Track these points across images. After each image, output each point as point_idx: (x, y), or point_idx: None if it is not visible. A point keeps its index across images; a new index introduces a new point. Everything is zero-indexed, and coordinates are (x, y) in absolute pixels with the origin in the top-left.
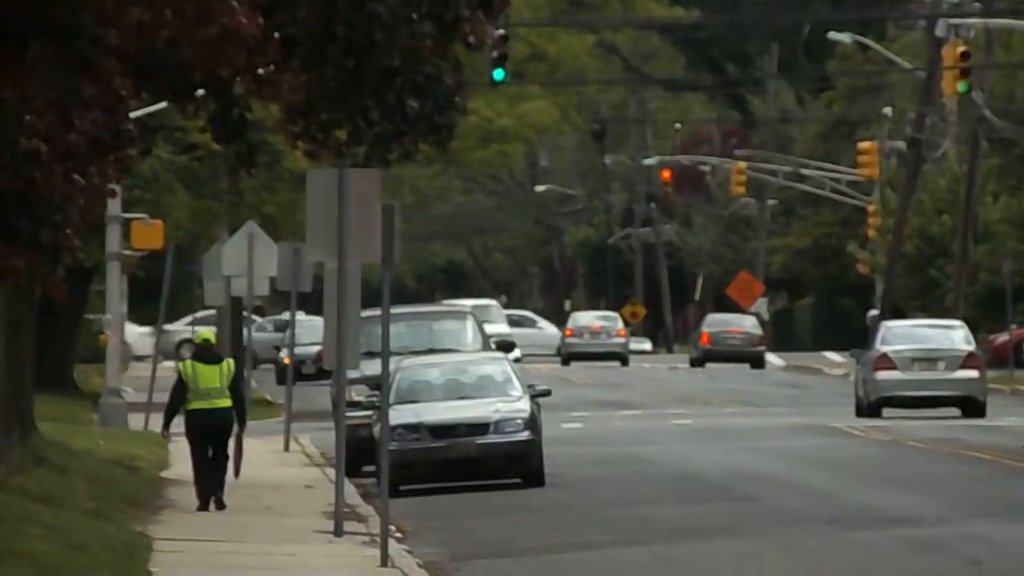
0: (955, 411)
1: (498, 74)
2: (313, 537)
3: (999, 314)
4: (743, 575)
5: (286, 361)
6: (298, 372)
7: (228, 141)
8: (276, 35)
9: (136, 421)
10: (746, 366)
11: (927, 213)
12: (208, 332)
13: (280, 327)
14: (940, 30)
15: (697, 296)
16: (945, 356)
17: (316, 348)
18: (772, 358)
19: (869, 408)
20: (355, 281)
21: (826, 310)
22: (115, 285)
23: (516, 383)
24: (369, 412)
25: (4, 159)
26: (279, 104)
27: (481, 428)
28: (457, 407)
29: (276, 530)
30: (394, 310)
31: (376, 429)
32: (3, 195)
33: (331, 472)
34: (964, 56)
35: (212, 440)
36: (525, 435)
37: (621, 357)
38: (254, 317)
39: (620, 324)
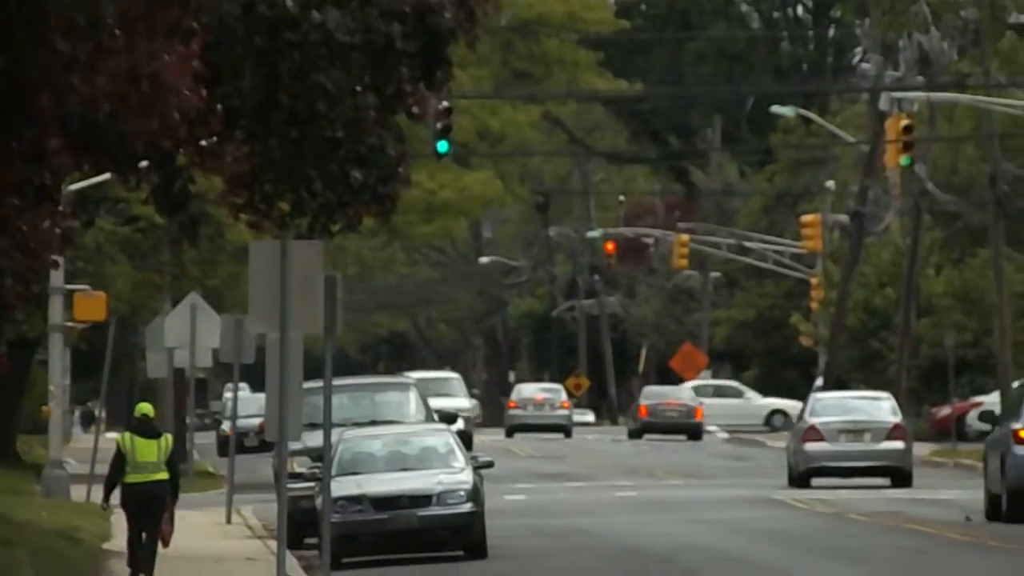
0: (888, 482)
1: (442, 146)
2: None
3: (942, 387)
4: None
5: (228, 433)
6: (241, 444)
7: (171, 213)
8: (219, 106)
9: (78, 492)
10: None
11: (870, 286)
12: (147, 406)
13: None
14: (883, 103)
15: (640, 368)
16: (871, 427)
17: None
18: (715, 430)
19: (799, 478)
20: (297, 352)
21: (770, 382)
22: (58, 356)
23: (459, 455)
24: (311, 484)
25: None
26: (222, 175)
27: (424, 500)
28: (400, 479)
29: None
30: (336, 381)
31: (318, 501)
32: None
33: (273, 544)
34: (907, 129)
35: (146, 512)
36: (468, 507)
37: (564, 429)
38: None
39: (564, 396)
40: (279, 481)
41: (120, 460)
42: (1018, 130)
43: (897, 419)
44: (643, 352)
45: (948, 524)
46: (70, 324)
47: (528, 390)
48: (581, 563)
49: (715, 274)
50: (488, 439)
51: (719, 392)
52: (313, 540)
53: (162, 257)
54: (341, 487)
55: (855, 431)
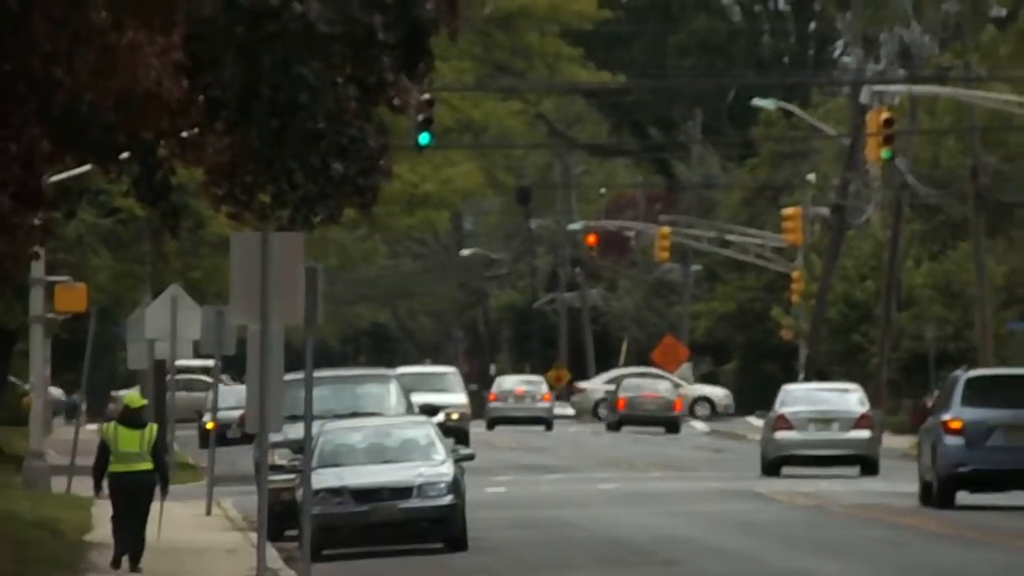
0: (859, 472)
1: (423, 138)
2: None
3: (922, 379)
4: None
5: (209, 425)
6: (222, 436)
7: (152, 204)
8: (200, 97)
9: (59, 484)
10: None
11: (851, 279)
12: (135, 396)
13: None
14: (864, 97)
15: (621, 360)
16: (839, 417)
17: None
18: (695, 422)
19: (769, 466)
20: (278, 344)
21: (750, 375)
22: (39, 348)
23: (439, 447)
24: (292, 476)
25: None
26: (203, 167)
27: (404, 492)
28: (380, 471)
29: None
30: (317, 373)
31: (299, 493)
32: None
33: (253, 536)
34: (888, 123)
35: (130, 502)
36: (448, 499)
37: (545, 421)
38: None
39: (544, 388)
40: (260, 473)
41: (104, 449)
42: (999, 123)
43: (864, 409)
44: (624, 345)
45: (927, 516)
46: (51, 315)
47: (509, 382)
48: (561, 555)
49: (696, 267)
50: (469, 431)
51: None
52: (293, 532)
53: (143, 248)
54: (322, 479)
55: (823, 420)
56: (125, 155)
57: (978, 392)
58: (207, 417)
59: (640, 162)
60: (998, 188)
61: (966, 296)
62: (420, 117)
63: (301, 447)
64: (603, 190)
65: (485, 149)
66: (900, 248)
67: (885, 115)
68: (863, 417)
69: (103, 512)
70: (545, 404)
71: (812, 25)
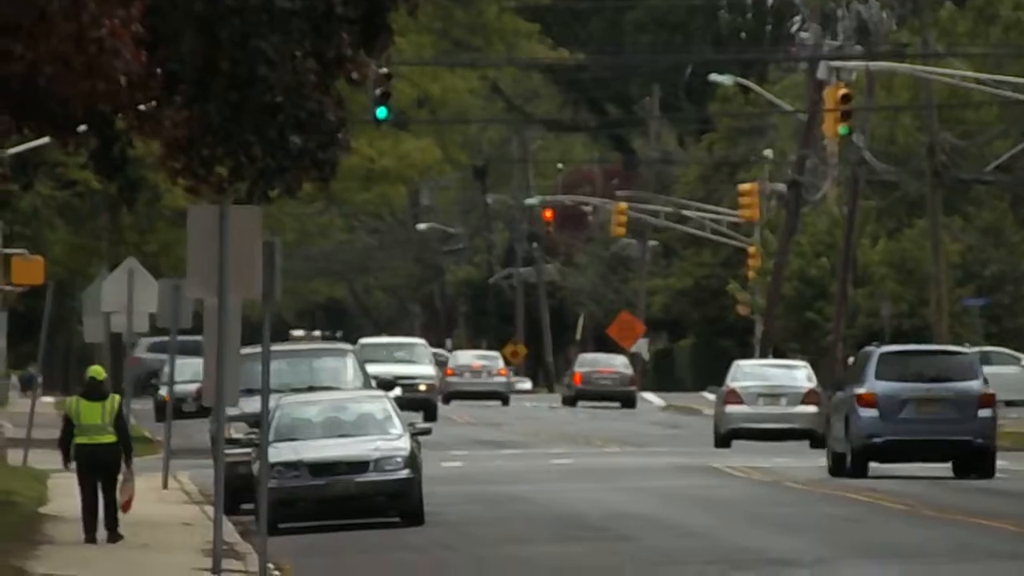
0: (809, 446)
1: (381, 112)
2: (192, 574)
3: None
4: None
5: (166, 398)
6: (178, 409)
7: (109, 176)
8: (159, 71)
9: (15, 457)
10: (620, 405)
11: (806, 255)
12: (98, 368)
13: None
14: (822, 73)
15: (578, 336)
16: (787, 393)
17: (195, 386)
18: (652, 398)
19: (721, 439)
20: (235, 318)
21: (706, 351)
22: None
23: (396, 421)
24: (248, 449)
25: None
26: (161, 140)
27: (361, 466)
28: (337, 445)
29: (154, 568)
30: (274, 347)
31: (255, 466)
32: None
33: (210, 509)
34: (845, 99)
35: (96, 474)
36: (405, 473)
37: (502, 396)
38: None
39: (501, 363)
40: (216, 446)
41: (68, 423)
42: (956, 100)
43: (812, 385)
44: (580, 320)
45: (883, 492)
46: (7, 287)
47: (465, 357)
48: (517, 530)
49: (653, 242)
50: (437, 404)
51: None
52: (250, 506)
53: (99, 222)
54: (278, 453)
55: (772, 395)
56: (83, 128)
57: (891, 367)
58: (163, 390)
59: (597, 138)
60: (955, 165)
61: (922, 273)
62: (378, 91)
63: (257, 421)
64: (560, 165)
65: (442, 124)
66: (856, 225)
67: (842, 91)
68: (810, 393)
69: (60, 485)
70: (501, 379)
71: (770, 1)
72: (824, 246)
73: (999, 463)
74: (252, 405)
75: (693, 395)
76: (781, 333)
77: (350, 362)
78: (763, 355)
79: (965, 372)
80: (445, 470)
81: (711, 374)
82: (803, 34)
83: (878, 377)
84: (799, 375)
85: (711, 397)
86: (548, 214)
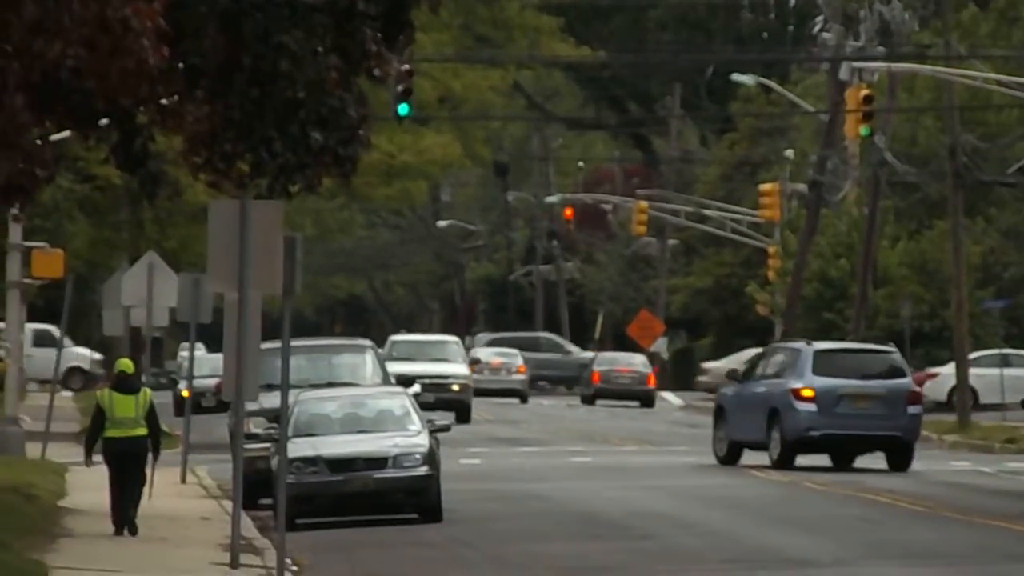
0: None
1: (403, 109)
2: (209, 569)
3: None
4: None
5: (185, 393)
6: (197, 404)
7: (131, 171)
8: (180, 65)
9: (34, 450)
10: (639, 404)
11: (826, 256)
12: (127, 362)
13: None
14: (844, 73)
15: (597, 334)
16: None
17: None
18: (671, 397)
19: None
20: (255, 312)
21: (725, 350)
22: (15, 313)
23: (415, 418)
24: (267, 444)
25: None
26: (182, 135)
27: (379, 462)
28: (355, 441)
29: (173, 561)
30: (294, 343)
31: (274, 462)
32: None
33: (228, 504)
34: (867, 100)
35: (127, 467)
36: (423, 470)
37: (520, 394)
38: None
39: (520, 361)
40: (235, 441)
41: (100, 416)
42: (978, 102)
43: None
44: (600, 318)
45: (901, 493)
46: (27, 281)
47: (485, 354)
48: (536, 527)
49: (673, 241)
50: (471, 404)
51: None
52: (268, 501)
53: (120, 216)
54: (297, 448)
55: None
56: (104, 122)
57: (826, 363)
58: (182, 385)
59: (618, 136)
60: (976, 167)
61: (942, 275)
62: (400, 88)
63: (276, 416)
64: (581, 164)
65: (464, 121)
66: (877, 226)
67: (864, 92)
68: None
69: (78, 478)
70: (520, 376)
71: (792, 1)
72: (844, 247)
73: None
74: (271, 400)
75: (712, 394)
76: (801, 334)
77: (369, 358)
78: None
79: (895, 370)
80: (463, 467)
81: None
82: (825, 35)
83: (815, 373)
84: None
85: None
86: (568, 212)
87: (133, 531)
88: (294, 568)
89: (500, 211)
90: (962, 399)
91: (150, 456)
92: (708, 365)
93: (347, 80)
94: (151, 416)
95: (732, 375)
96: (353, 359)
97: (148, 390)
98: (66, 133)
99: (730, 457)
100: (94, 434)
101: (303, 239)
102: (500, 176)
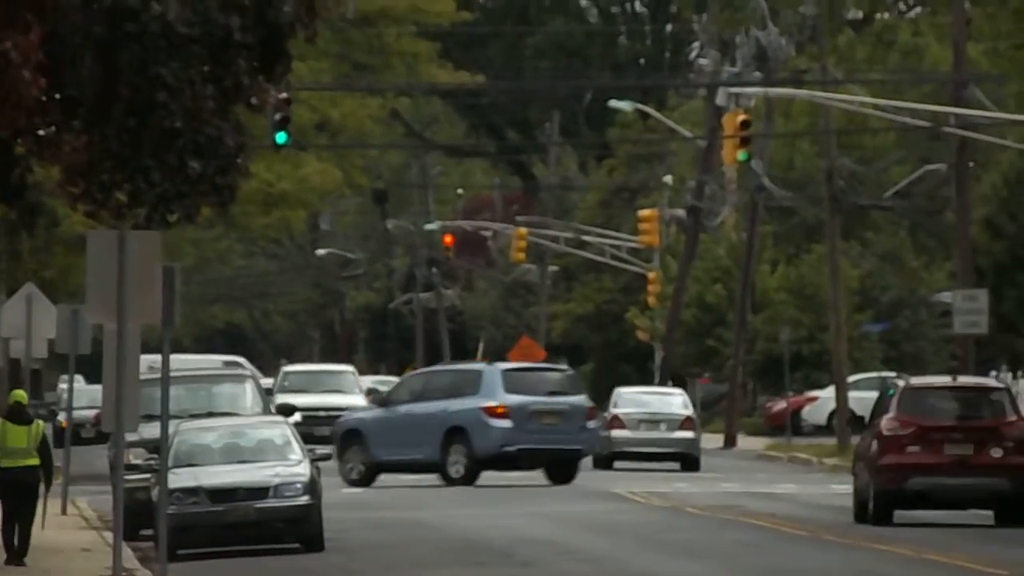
0: (680, 467)
1: (280, 137)
2: None
3: (777, 382)
4: None
5: (64, 424)
6: (77, 435)
7: (8, 201)
8: (58, 96)
9: None
10: None
11: (705, 281)
12: (21, 393)
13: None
14: (721, 99)
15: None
16: (666, 418)
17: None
18: None
19: (604, 460)
20: (135, 343)
21: (607, 376)
22: None
23: (296, 447)
24: (147, 475)
25: None
26: (60, 165)
27: (260, 492)
28: (236, 471)
29: None
30: (173, 373)
31: (154, 492)
32: None
33: (109, 535)
34: (744, 125)
35: (19, 497)
36: (305, 499)
37: None
38: None
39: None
40: (115, 472)
41: None
42: (854, 126)
43: (688, 412)
44: (480, 345)
45: (783, 518)
46: None
47: (365, 383)
48: (419, 555)
49: (553, 268)
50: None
51: None
52: (149, 532)
53: None
54: (178, 479)
55: (652, 421)
56: None
57: (515, 382)
58: (62, 416)
59: (497, 163)
60: (853, 191)
61: (820, 299)
62: (277, 116)
63: (156, 446)
64: (460, 191)
65: (342, 149)
66: (755, 250)
67: (741, 117)
68: (687, 419)
69: None
70: None
71: (669, 27)
72: (723, 272)
73: None
74: (151, 431)
75: None
76: (681, 359)
77: (249, 387)
78: (662, 381)
79: (574, 387)
80: (346, 496)
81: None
82: (702, 60)
83: (507, 391)
84: (675, 402)
85: None
86: (448, 239)
87: (21, 562)
88: None
89: (379, 239)
90: (841, 422)
91: (42, 487)
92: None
93: (224, 109)
94: (43, 447)
95: (376, 399)
96: (233, 389)
97: (41, 422)
98: None
99: (367, 479)
100: None
101: (182, 269)
102: (379, 204)
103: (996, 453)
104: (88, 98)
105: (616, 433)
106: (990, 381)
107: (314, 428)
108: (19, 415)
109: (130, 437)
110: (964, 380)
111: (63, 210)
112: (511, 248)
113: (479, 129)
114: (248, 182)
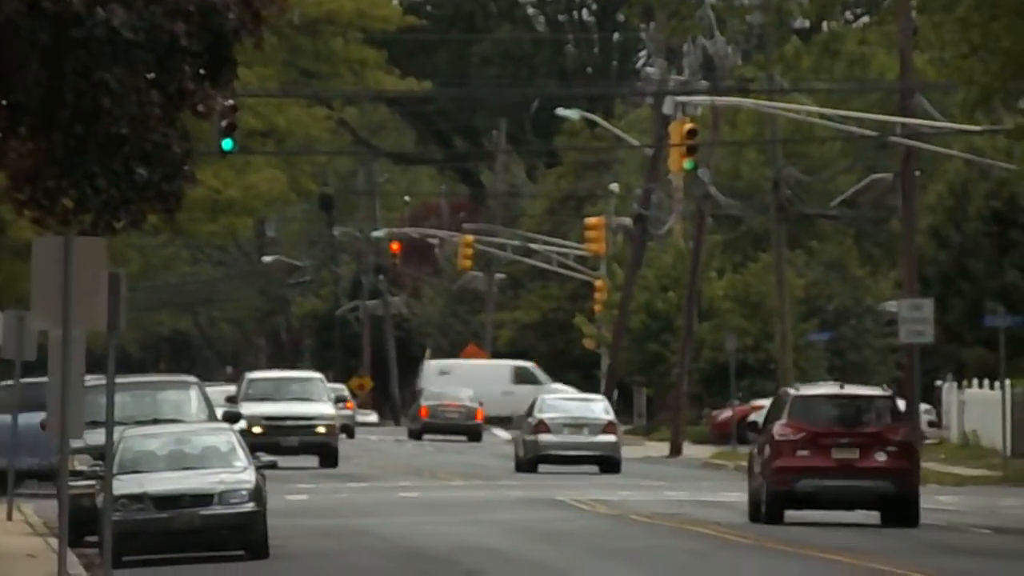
0: (599, 470)
1: (227, 144)
2: None
3: (723, 390)
4: None
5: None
6: None
7: None
8: (3, 102)
9: None
10: (466, 439)
11: (652, 289)
12: None
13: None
14: (667, 108)
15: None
16: (589, 423)
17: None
18: (499, 431)
19: (527, 464)
20: (80, 349)
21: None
22: None
23: (241, 454)
24: (92, 482)
25: None
26: (5, 171)
27: (205, 499)
28: (181, 477)
29: None
30: (118, 379)
31: (99, 499)
32: None
33: (54, 542)
34: (691, 134)
35: None
36: (250, 506)
37: (347, 429)
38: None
39: (347, 396)
40: (60, 478)
41: None
42: (800, 135)
43: (610, 417)
44: (427, 353)
45: (728, 526)
46: None
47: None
48: (363, 563)
49: (500, 275)
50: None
51: None
52: (94, 538)
53: None
54: (122, 485)
55: (576, 426)
56: None
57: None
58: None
59: (444, 171)
60: (799, 200)
61: (766, 307)
62: (223, 123)
63: (102, 453)
64: (407, 198)
65: (289, 155)
66: (701, 259)
67: (688, 126)
68: (609, 424)
69: None
70: (347, 412)
71: (616, 36)
72: (670, 280)
73: None
74: (96, 437)
75: None
76: (627, 366)
77: (194, 394)
78: (608, 388)
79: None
80: (291, 503)
81: None
82: (649, 69)
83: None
84: (597, 408)
85: None
86: (395, 247)
87: None
88: None
89: (326, 246)
90: None
91: None
92: None
93: (170, 116)
94: None
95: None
96: (178, 395)
97: None
98: None
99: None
100: None
101: (128, 275)
102: (326, 211)
103: (880, 457)
104: (34, 104)
105: (543, 437)
106: (876, 390)
107: (280, 439)
108: None
109: (75, 443)
110: (851, 389)
111: (9, 216)
112: (458, 256)
113: (426, 136)
114: (194, 189)
